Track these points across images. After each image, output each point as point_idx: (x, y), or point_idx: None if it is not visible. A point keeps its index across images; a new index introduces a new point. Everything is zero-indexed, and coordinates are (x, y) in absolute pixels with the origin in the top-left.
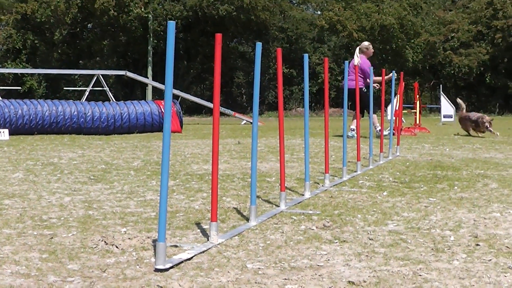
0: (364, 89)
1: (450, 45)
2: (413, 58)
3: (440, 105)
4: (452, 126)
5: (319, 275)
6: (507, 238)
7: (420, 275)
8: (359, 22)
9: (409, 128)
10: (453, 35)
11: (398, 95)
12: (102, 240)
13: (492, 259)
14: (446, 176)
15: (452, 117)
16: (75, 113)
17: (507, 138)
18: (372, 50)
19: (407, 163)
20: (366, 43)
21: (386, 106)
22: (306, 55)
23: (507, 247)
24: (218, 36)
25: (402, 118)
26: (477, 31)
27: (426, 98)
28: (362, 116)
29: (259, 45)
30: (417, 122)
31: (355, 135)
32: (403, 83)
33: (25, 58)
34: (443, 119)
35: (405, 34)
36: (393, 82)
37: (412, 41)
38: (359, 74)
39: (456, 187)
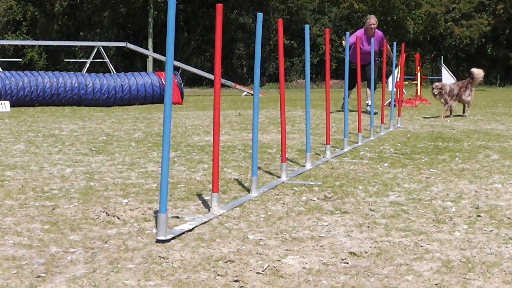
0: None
1: (451, 16)
2: (414, 30)
3: (441, 76)
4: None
5: (321, 246)
6: (508, 209)
7: (421, 245)
8: None
9: (410, 99)
10: (454, 6)
11: (399, 67)
12: (103, 211)
13: (494, 230)
14: (447, 148)
15: None
16: (76, 84)
17: (509, 109)
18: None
19: (408, 135)
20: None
21: (387, 78)
22: (307, 26)
23: (509, 218)
24: (219, 7)
25: (403, 90)
26: (479, 2)
27: (427, 70)
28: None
29: (260, 16)
30: (418, 93)
31: (369, 109)
32: (404, 55)
33: (25, 29)
34: None
35: (406, 5)
36: (394, 53)
37: (413, 12)
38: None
39: (457, 159)
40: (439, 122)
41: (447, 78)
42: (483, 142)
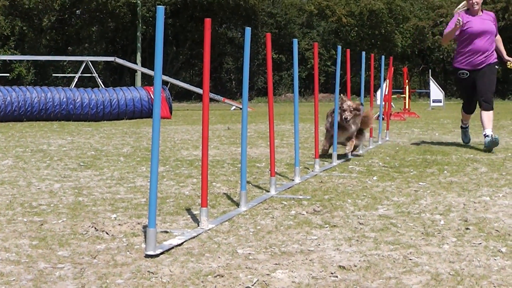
0: (461, 75)
1: (439, 30)
2: (402, 43)
3: (429, 89)
4: (442, 110)
5: (310, 260)
6: (496, 222)
7: (410, 259)
8: (348, 7)
9: (398, 113)
10: (442, 19)
11: (387, 80)
12: (92, 227)
13: (482, 242)
14: (436, 161)
15: (441, 102)
16: (64, 99)
17: (496, 122)
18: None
19: (397, 148)
20: None
21: (375, 91)
22: (295, 40)
23: (497, 230)
24: (207, 21)
25: (391, 103)
26: None
27: (415, 83)
28: (468, 113)
29: (248, 30)
30: (407, 107)
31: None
32: (392, 68)
33: (14, 44)
34: (432, 104)
35: (394, 19)
36: (382, 67)
37: (401, 26)
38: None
39: (445, 172)
40: (427, 136)
41: (435, 91)
42: (472, 155)
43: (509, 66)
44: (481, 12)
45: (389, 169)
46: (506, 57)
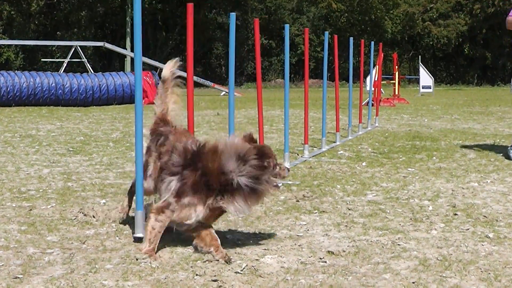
0: None
1: (429, 16)
2: (392, 29)
3: (419, 76)
4: (431, 96)
5: (299, 245)
6: (484, 208)
7: (398, 244)
8: None
9: (388, 99)
10: (432, 6)
11: (377, 66)
12: (81, 212)
13: (470, 228)
14: (425, 147)
15: (431, 88)
16: (53, 84)
17: (485, 108)
18: None
19: (386, 134)
20: None
21: (365, 77)
22: (287, 26)
23: (485, 216)
24: (190, 6)
25: (381, 89)
26: (456, 1)
27: (404, 69)
28: None
29: (233, 16)
30: (396, 93)
31: None
32: (382, 54)
33: (1, 29)
34: (422, 90)
35: (384, 5)
36: (372, 53)
37: (391, 12)
38: None
39: (434, 158)
40: (417, 122)
41: (425, 77)
42: (460, 141)
43: None
44: None
45: (378, 155)
46: None
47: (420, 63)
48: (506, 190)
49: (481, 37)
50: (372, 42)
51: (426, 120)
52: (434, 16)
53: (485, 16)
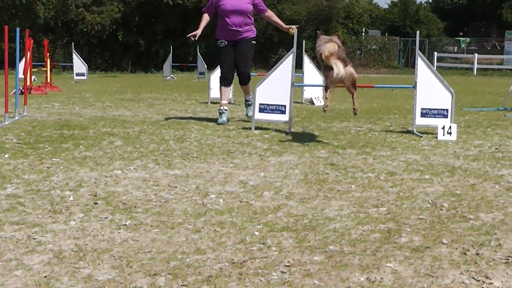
0: (221, 44)
1: (83, 3)
2: (44, 15)
3: (72, 62)
4: (85, 84)
5: None
6: (125, 195)
7: (34, 238)
8: None
9: (39, 86)
10: None
11: (29, 52)
12: None
13: (109, 216)
14: (73, 135)
15: (85, 75)
16: None
17: (138, 95)
18: None
19: (34, 123)
20: None
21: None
22: None
23: (124, 203)
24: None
25: (33, 77)
26: None
27: (59, 56)
28: (224, 85)
29: None
30: (48, 80)
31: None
32: (32, 40)
33: None
34: (76, 77)
35: None
36: (17, 39)
37: None
38: (250, 18)
39: (81, 146)
40: (67, 110)
41: (79, 64)
42: (109, 129)
43: (291, 32)
44: None
45: (23, 146)
46: (285, 26)
47: (74, 50)
48: (148, 176)
49: (134, 25)
50: (17, 29)
51: (77, 108)
52: (88, 3)
53: (138, 4)
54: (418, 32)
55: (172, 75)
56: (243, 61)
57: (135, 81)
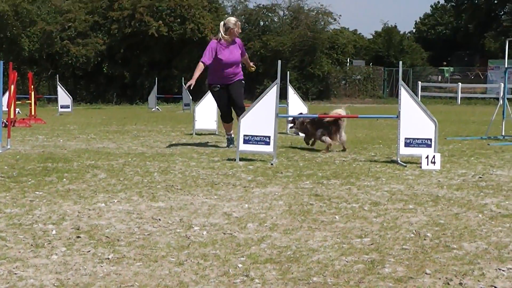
0: (214, 87)
1: (67, 35)
2: (29, 47)
3: (57, 95)
4: (70, 116)
5: None
6: (108, 228)
7: (15, 273)
8: None
9: (24, 119)
10: (70, 24)
11: (12, 86)
12: None
13: (91, 250)
14: (56, 168)
15: (69, 107)
16: None
17: (122, 127)
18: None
19: (18, 156)
20: (232, 20)
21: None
22: None
23: (107, 237)
24: None
25: (17, 109)
26: (94, 21)
27: (44, 88)
28: (227, 121)
29: None
30: (33, 113)
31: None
32: (16, 73)
33: None
34: (61, 109)
35: (21, 22)
36: (1, 72)
37: (28, 29)
38: (240, 64)
39: (65, 179)
40: (52, 142)
41: (63, 96)
42: (93, 161)
43: (250, 70)
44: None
45: (5, 179)
46: (249, 64)
47: (58, 82)
48: (132, 208)
49: (119, 57)
50: (1, 62)
51: (61, 140)
52: (73, 35)
53: (123, 36)
54: (401, 62)
55: (157, 107)
56: (239, 98)
57: (120, 113)
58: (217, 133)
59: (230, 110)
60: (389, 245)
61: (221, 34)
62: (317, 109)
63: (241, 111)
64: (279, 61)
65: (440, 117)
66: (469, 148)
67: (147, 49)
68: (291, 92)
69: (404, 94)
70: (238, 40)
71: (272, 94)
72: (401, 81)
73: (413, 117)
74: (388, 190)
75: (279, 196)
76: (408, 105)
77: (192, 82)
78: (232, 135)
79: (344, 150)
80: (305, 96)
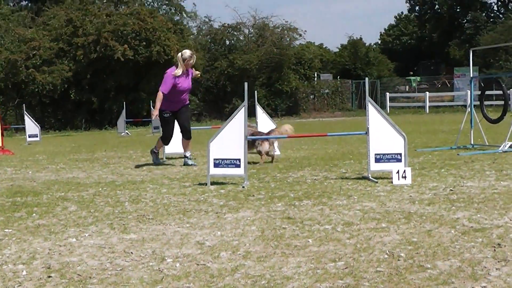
0: (165, 113)
1: (32, 63)
2: None
3: (25, 124)
4: (39, 145)
5: None
6: (80, 265)
7: None
8: None
9: None
10: (34, 52)
11: None
12: None
13: None
14: (26, 203)
15: (37, 136)
16: None
17: (92, 154)
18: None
19: None
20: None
21: None
22: None
23: (79, 274)
24: None
25: None
26: (59, 48)
27: (11, 117)
28: (166, 144)
29: None
30: (0, 144)
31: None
32: None
33: None
34: (29, 139)
35: None
36: None
37: None
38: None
39: (34, 214)
40: (21, 175)
41: (31, 125)
42: (63, 193)
43: (197, 76)
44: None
45: None
46: (196, 73)
47: (25, 111)
48: (103, 242)
49: (86, 82)
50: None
51: (30, 172)
52: (38, 63)
53: (89, 62)
54: (367, 79)
55: (126, 131)
56: (186, 122)
57: (89, 139)
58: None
59: (173, 134)
60: (363, 268)
61: (181, 66)
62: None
63: (188, 133)
64: (246, 84)
65: (410, 128)
66: (439, 160)
67: (114, 73)
68: (260, 112)
69: (372, 110)
70: (190, 69)
71: (240, 116)
72: (368, 97)
73: (382, 133)
74: (361, 209)
75: (252, 221)
76: (377, 120)
77: (156, 112)
78: (188, 155)
79: (271, 162)
80: (274, 112)
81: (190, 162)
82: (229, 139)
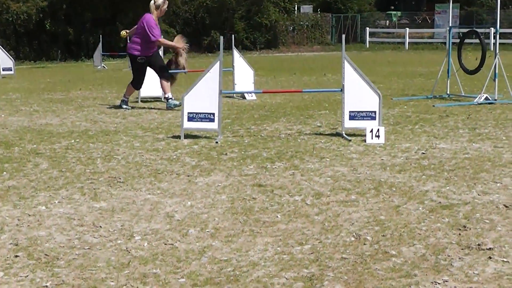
0: (140, 59)
1: None
2: None
3: None
4: (13, 79)
5: None
6: (48, 242)
7: None
8: None
9: None
10: None
11: None
12: None
13: (29, 275)
14: None
15: (12, 70)
16: None
17: (67, 94)
18: (165, 8)
19: None
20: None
21: None
22: None
23: (46, 254)
24: None
25: None
26: None
27: None
28: (138, 89)
29: None
30: None
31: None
32: None
33: None
34: (3, 72)
35: None
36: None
37: None
38: (138, 39)
39: (5, 172)
40: None
41: (4, 59)
42: (35, 145)
43: (123, 35)
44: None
45: None
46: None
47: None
48: (73, 211)
49: (62, 13)
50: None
51: (3, 116)
52: None
53: None
54: (344, 36)
55: (103, 64)
56: (162, 61)
57: (65, 73)
58: (162, 99)
59: (144, 78)
60: (329, 254)
61: (155, 13)
62: (257, 59)
63: (166, 72)
64: (221, 37)
65: (388, 69)
66: (414, 112)
67: (90, 5)
68: (237, 56)
69: (348, 67)
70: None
71: (215, 70)
72: (344, 54)
73: (357, 90)
74: (332, 175)
75: (222, 188)
76: (352, 78)
77: (179, 45)
78: (169, 96)
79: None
80: (253, 46)
81: (174, 103)
82: (204, 93)
